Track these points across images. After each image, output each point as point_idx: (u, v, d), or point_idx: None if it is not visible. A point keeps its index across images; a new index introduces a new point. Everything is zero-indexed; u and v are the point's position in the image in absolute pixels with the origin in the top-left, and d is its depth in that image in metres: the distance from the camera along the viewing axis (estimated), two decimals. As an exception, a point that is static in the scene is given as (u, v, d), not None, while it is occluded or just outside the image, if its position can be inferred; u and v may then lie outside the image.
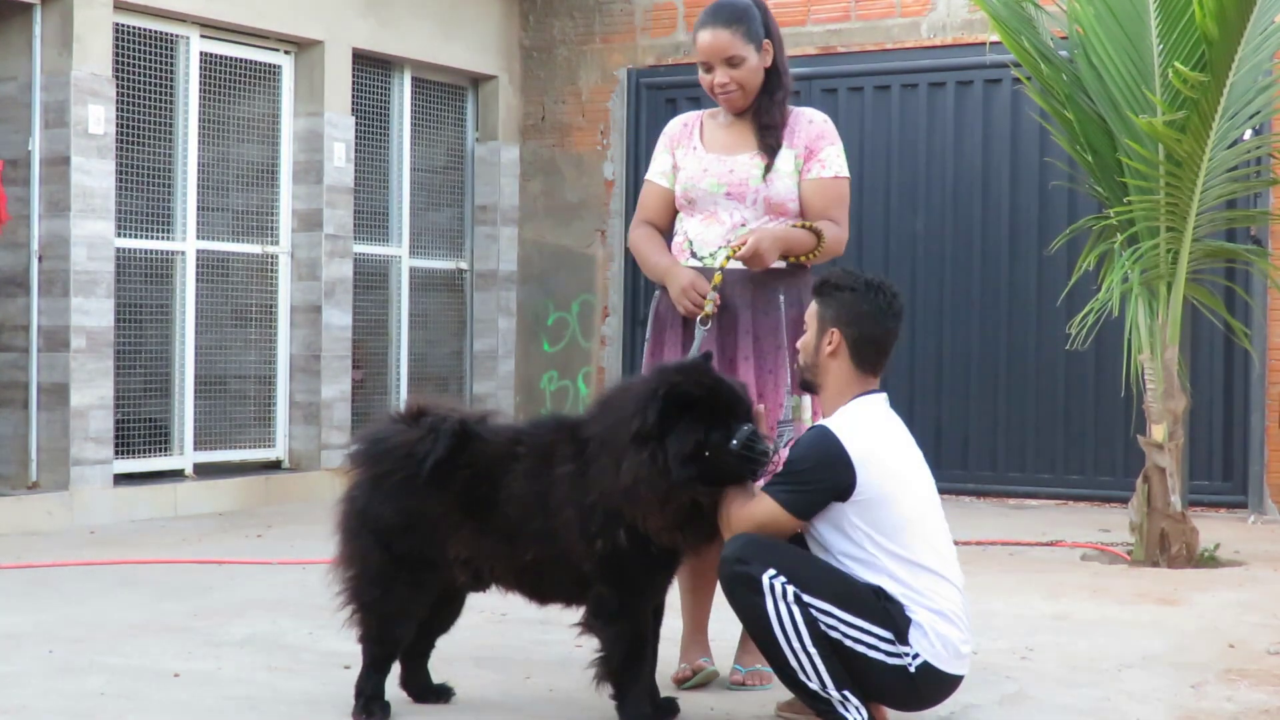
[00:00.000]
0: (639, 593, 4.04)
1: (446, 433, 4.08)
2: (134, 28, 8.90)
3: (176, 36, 9.17)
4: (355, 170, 10.05)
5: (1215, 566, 7.23)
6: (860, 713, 3.90)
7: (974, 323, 10.08)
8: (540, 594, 4.20)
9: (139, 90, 8.95)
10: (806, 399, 4.64)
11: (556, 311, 11.27)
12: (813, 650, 3.85)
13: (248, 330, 9.71)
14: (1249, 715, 4.39)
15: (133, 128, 8.91)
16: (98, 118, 8.46)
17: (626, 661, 4.03)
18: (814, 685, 3.88)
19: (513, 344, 11.33)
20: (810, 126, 4.77)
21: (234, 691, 4.51)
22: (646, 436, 3.85)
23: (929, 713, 4.31)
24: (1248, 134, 7.92)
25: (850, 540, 3.95)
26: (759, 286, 4.67)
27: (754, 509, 3.95)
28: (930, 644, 3.90)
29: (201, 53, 9.30)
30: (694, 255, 4.76)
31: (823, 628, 3.87)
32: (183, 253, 9.22)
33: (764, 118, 4.75)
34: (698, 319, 4.57)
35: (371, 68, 10.41)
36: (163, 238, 9.15)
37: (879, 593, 3.91)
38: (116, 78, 8.68)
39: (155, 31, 9.04)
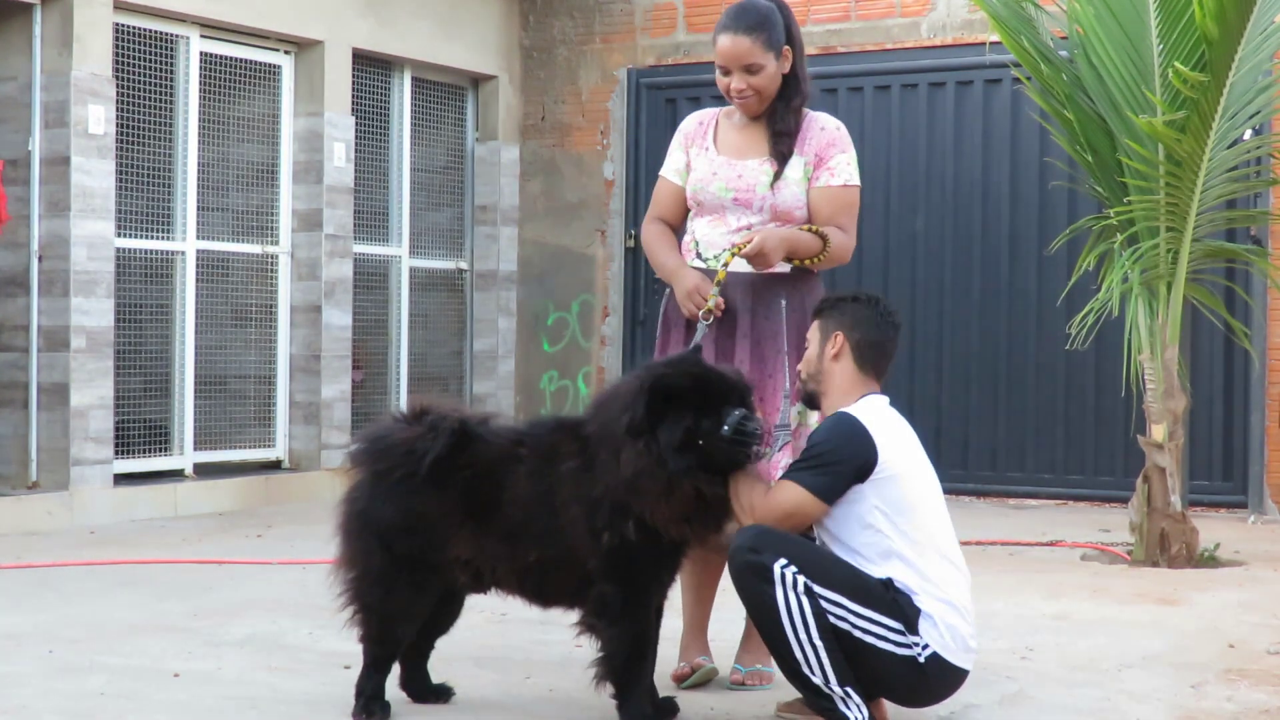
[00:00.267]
0: (643, 589, 4.03)
1: (446, 431, 4.08)
2: (134, 28, 8.90)
3: (176, 36, 9.16)
4: (355, 170, 10.05)
5: (1215, 566, 7.23)
6: (861, 711, 3.91)
7: (974, 323, 10.08)
8: (542, 596, 4.19)
9: (139, 90, 8.95)
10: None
11: (556, 311, 11.27)
12: (819, 643, 3.87)
13: (248, 330, 9.71)
14: (1249, 715, 4.39)
15: (133, 128, 8.91)
16: (98, 118, 8.46)
17: (629, 662, 4.03)
18: (817, 679, 3.89)
19: (513, 344, 11.33)
20: (822, 134, 4.76)
21: (234, 691, 4.51)
22: (639, 430, 3.89)
23: (928, 712, 4.32)
24: (1248, 134, 7.92)
25: (866, 525, 3.97)
26: (760, 290, 4.67)
27: (780, 498, 3.98)
28: (939, 635, 3.92)
29: (201, 53, 9.30)
30: (699, 257, 4.76)
31: (832, 619, 3.89)
32: (183, 253, 9.22)
33: (778, 124, 4.74)
34: (700, 312, 4.58)
35: (371, 68, 10.41)
36: (163, 238, 9.14)
37: (888, 585, 3.93)
38: (116, 78, 8.68)
39: (155, 31, 9.04)
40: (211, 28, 9.32)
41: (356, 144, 10.11)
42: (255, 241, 9.70)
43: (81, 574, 6.70)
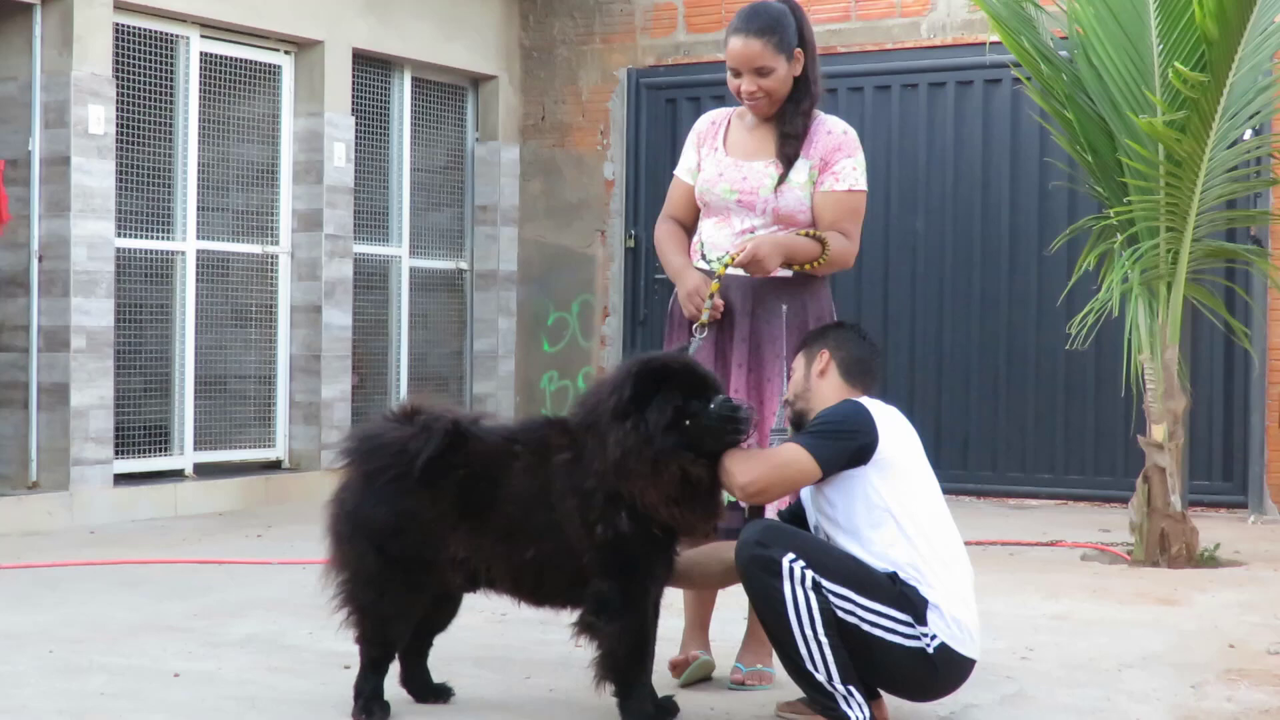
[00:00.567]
0: (640, 583, 4.02)
1: (440, 431, 4.08)
2: (134, 28, 8.90)
3: (176, 36, 9.17)
4: (355, 170, 10.05)
5: (1215, 566, 7.23)
6: (863, 710, 3.92)
7: (974, 323, 10.07)
8: (537, 595, 4.17)
9: (139, 90, 8.95)
10: None
11: (556, 311, 11.27)
12: (824, 639, 3.88)
13: (248, 330, 9.71)
14: (1249, 715, 4.39)
15: (133, 128, 8.91)
16: (98, 118, 8.46)
17: (630, 659, 4.02)
18: (820, 676, 3.90)
19: (513, 344, 11.33)
20: (829, 138, 4.75)
21: (234, 691, 4.51)
22: (626, 411, 3.91)
23: (928, 713, 4.32)
24: (1248, 134, 7.92)
25: (870, 509, 3.99)
26: (761, 294, 4.67)
27: (777, 450, 4.02)
28: (947, 625, 3.94)
29: (201, 53, 9.30)
30: (704, 258, 4.77)
31: (840, 614, 3.90)
32: (183, 253, 9.22)
33: (786, 126, 4.74)
34: (694, 326, 4.59)
35: (371, 68, 10.41)
36: (163, 238, 9.15)
37: (894, 578, 3.95)
38: (116, 78, 8.68)
39: (155, 31, 9.04)
40: (211, 28, 9.32)
41: (356, 144, 10.11)
42: (255, 241, 9.70)
43: (81, 574, 6.70)
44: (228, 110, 9.55)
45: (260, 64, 9.71)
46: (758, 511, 4.41)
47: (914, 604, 3.92)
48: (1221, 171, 7.35)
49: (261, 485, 9.45)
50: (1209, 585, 6.69)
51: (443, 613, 4.37)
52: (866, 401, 4.14)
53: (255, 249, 9.69)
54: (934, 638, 3.93)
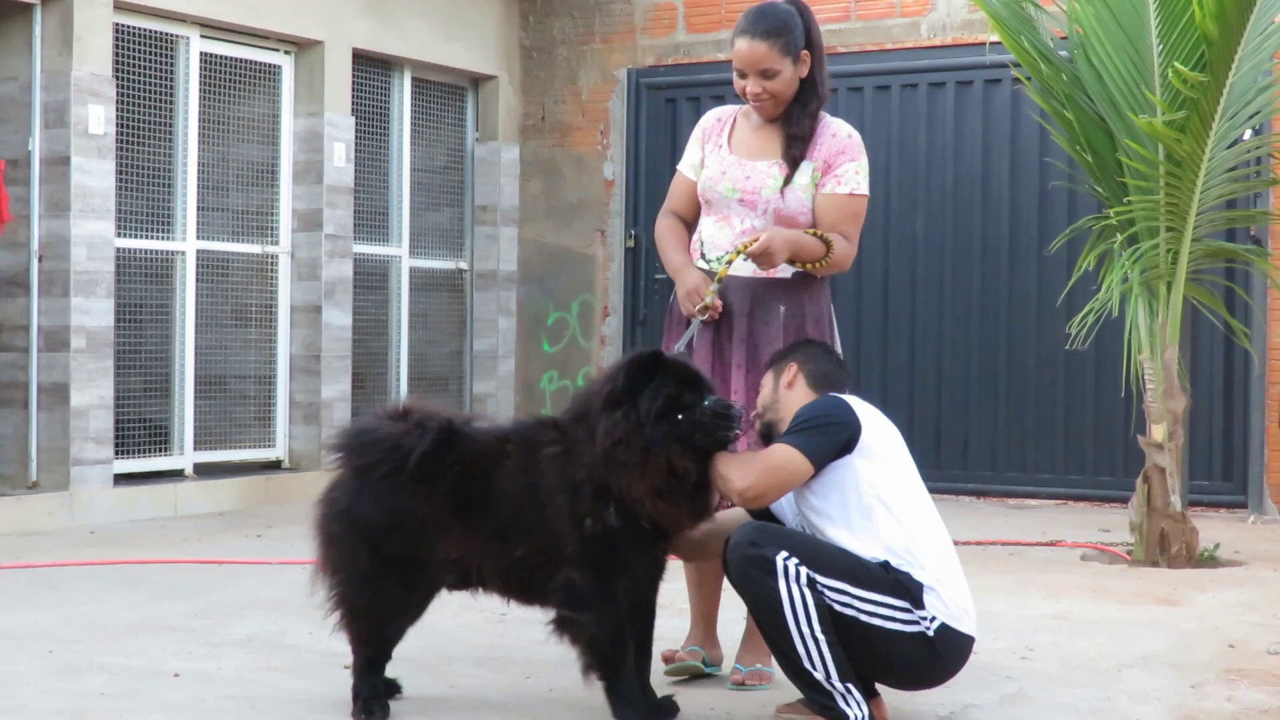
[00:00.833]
0: (618, 576, 4.01)
1: (434, 428, 4.08)
2: (134, 28, 8.90)
3: (176, 36, 9.17)
4: (355, 170, 10.05)
5: (1215, 566, 7.23)
6: (861, 708, 3.92)
7: (974, 323, 10.07)
8: (527, 592, 4.16)
9: (139, 90, 8.95)
10: None
11: (556, 311, 11.27)
12: (821, 636, 3.88)
13: (248, 330, 9.71)
14: (1249, 715, 4.40)
15: (133, 128, 8.91)
16: (98, 118, 8.46)
17: (613, 645, 4.01)
18: (818, 675, 3.90)
19: (513, 344, 11.33)
20: (833, 141, 4.75)
21: (234, 691, 4.51)
22: (618, 400, 3.93)
23: (928, 713, 4.32)
24: (1248, 134, 7.92)
25: (860, 495, 4.00)
26: (760, 295, 4.68)
27: (766, 454, 4.03)
28: (945, 605, 3.95)
29: (201, 53, 9.30)
30: (704, 258, 4.78)
31: (838, 607, 3.91)
32: (183, 253, 9.22)
33: (793, 127, 4.73)
34: (696, 307, 4.60)
35: (371, 68, 10.41)
36: (163, 238, 9.15)
37: (886, 566, 3.96)
38: (116, 78, 8.68)
39: (155, 31, 9.04)
40: (211, 28, 9.32)
41: (356, 144, 10.11)
42: (255, 241, 9.70)
43: (81, 574, 6.70)
44: (228, 110, 9.55)
45: (260, 64, 9.71)
46: None
47: (909, 589, 3.93)
48: (1221, 171, 7.35)
49: (261, 485, 9.45)
50: (1209, 585, 6.69)
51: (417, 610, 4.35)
52: (840, 395, 4.18)
53: (255, 249, 9.69)
54: (933, 619, 3.93)
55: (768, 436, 4.25)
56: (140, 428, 9.02)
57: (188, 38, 9.20)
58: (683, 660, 4.73)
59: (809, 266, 4.67)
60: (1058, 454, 9.84)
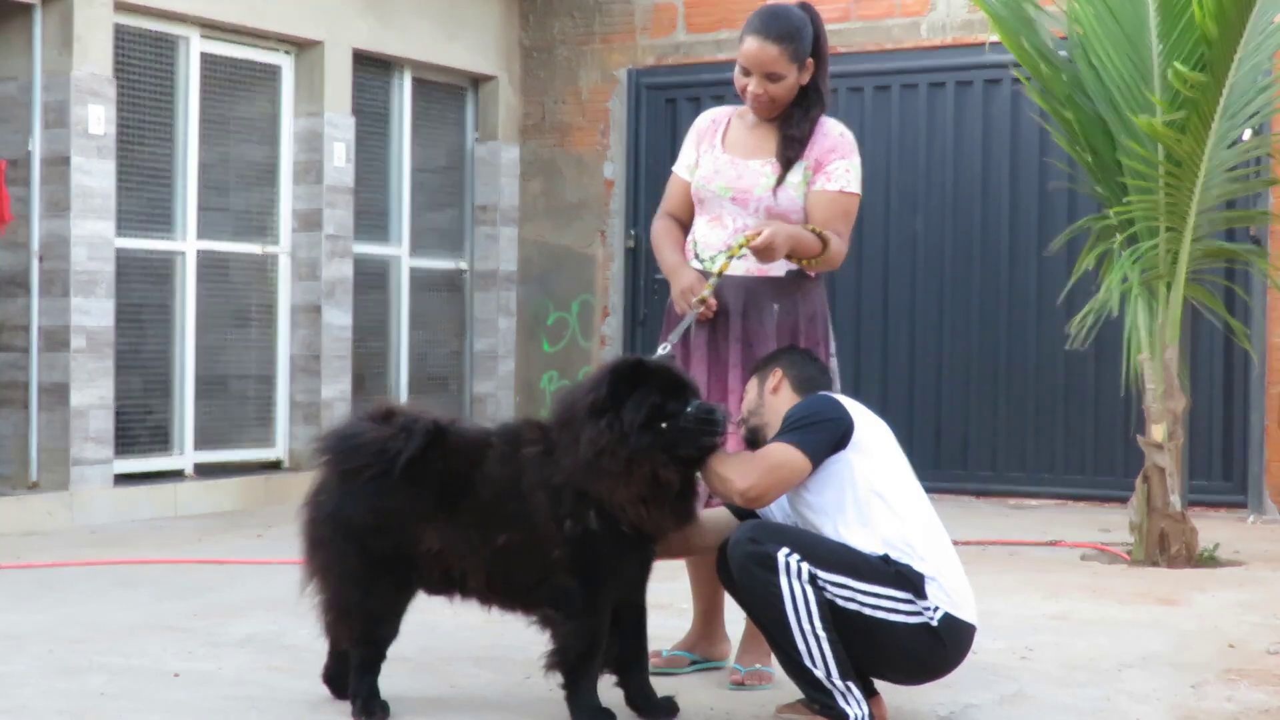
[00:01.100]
0: (604, 583, 4.01)
1: (420, 431, 4.09)
2: (134, 28, 8.90)
3: (176, 37, 9.17)
4: (355, 170, 10.05)
5: (1215, 566, 7.23)
6: (861, 707, 3.92)
7: (974, 323, 10.07)
8: (507, 594, 4.16)
9: (139, 90, 8.95)
10: None
11: (556, 311, 11.27)
12: (821, 634, 3.88)
13: (248, 330, 9.71)
14: (1249, 715, 4.40)
15: (133, 128, 8.91)
16: (98, 118, 8.46)
17: (582, 658, 4.03)
18: (819, 672, 3.90)
19: (513, 344, 11.33)
20: (824, 139, 4.76)
21: (234, 691, 4.51)
22: (603, 408, 3.92)
23: (928, 712, 4.32)
24: (1247, 134, 7.91)
25: (856, 490, 4.01)
26: (754, 293, 4.69)
27: (765, 453, 4.03)
28: (946, 594, 3.96)
29: (202, 53, 9.30)
30: (697, 258, 4.78)
31: (840, 602, 3.91)
32: (183, 253, 9.22)
33: (791, 128, 4.74)
34: (695, 300, 4.62)
35: (371, 68, 10.41)
36: (163, 238, 9.15)
37: (886, 559, 3.96)
38: (116, 78, 8.68)
39: (155, 31, 9.05)
40: (212, 28, 9.32)
41: (356, 144, 10.11)
42: (255, 241, 9.70)
43: (81, 574, 6.70)
44: (228, 110, 9.55)
45: (260, 64, 9.71)
46: None
47: (911, 581, 3.94)
48: (1221, 171, 7.35)
49: (261, 485, 9.45)
50: (1209, 585, 6.69)
51: None
52: (828, 394, 4.20)
53: (255, 249, 9.69)
54: (936, 609, 3.94)
55: (752, 442, 4.26)
56: (140, 428, 9.02)
57: (188, 38, 9.20)
58: (660, 660, 4.72)
59: (803, 263, 4.67)
60: (1058, 454, 9.84)
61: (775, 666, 4.47)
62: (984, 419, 10.00)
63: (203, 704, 4.36)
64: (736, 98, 4.84)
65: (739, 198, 4.73)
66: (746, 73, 4.71)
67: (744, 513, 4.23)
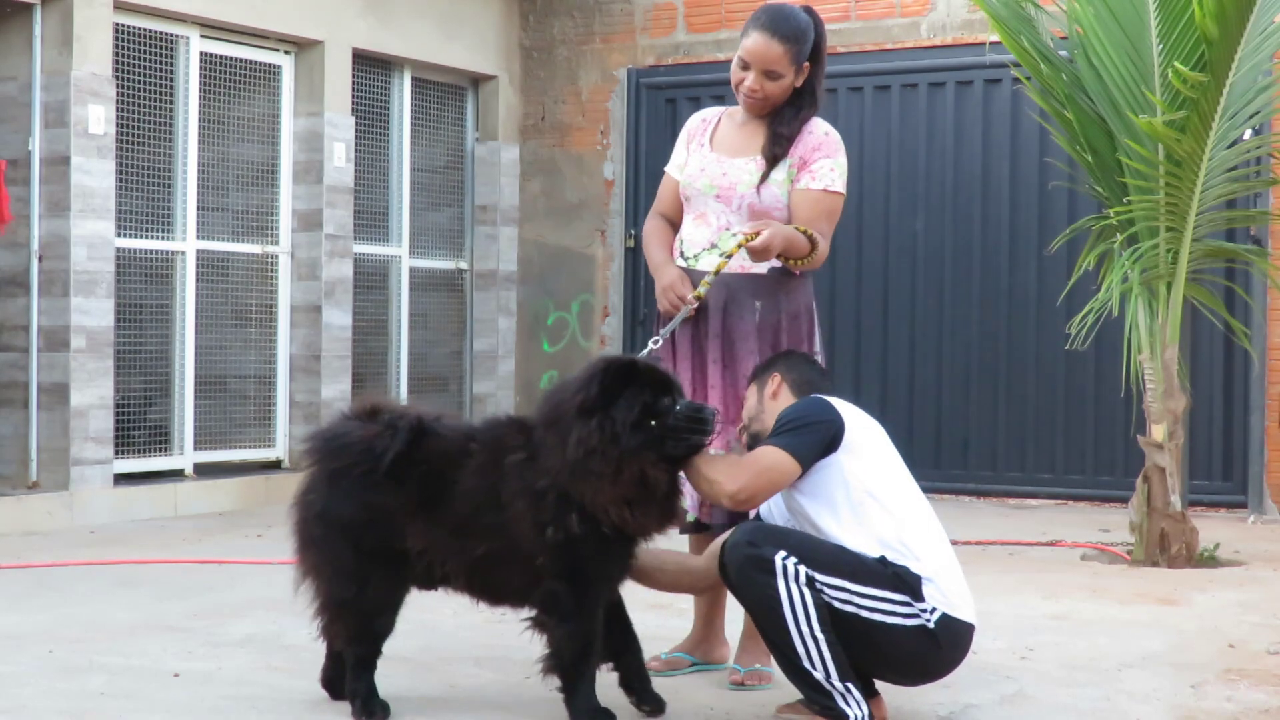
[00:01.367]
0: (592, 585, 4.01)
1: (405, 428, 4.10)
2: (134, 28, 8.90)
3: (176, 36, 9.17)
4: (355, 170, 10.05)
5: (1215, 566, 7.23)
6: (861, 707, 3.92)
7: (974, 323, 10.07)
8: (490, 592, 4.17)
9: (139, 90, 8.95)
10: None
11: (556, 311, 11.27)
12: (820, 636, 3.88)
13: (248, 330, 9.71)
14: (1249, 715, 4.39)
15: (133, 128, 8.91)
16: (98, 118, 8.46)
17: (577, 659, 4.03)
18: (818, 674, 3.90)
19: (513, 344, 11.33)
20: (809, 138, 4.77)
21: (234, 691, 4.51)
22: (592, 408, 3.90)
23: (928, 712, 4.32)
24: (1248, 134, 7.92)
25: (849, 491, 4.01)
26: (735, 291, 4.70)
27: (754, 456, 4.03)
28: (944, 595, 3.96)
29: (201, 53, 9.30)
30: (682, 256, 4.80)
31: (838, 605, 3.91)
32: (183, 253, 9.22)
33: (780, 126, 4.75)
34: (690, 295, 4.64)
35: (371, 68, 10.41)
36: (163, 238, 9.15)
37: (883, 561, 3.96)
38: (116, 78, 8.68)
39: (155, 31, 9.04)
40: (211, 28, 9.32)
41: (356, 144, 10.11)
42: (255, 241, 9.70)
43: (81, 574, 6.70)
44: (228, 110, 9.55)
45: (260, 64, 9.71)
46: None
47: (908, 583, 3.94)
48: (1221, 171, 7.35)
49: (261, 485, 9.45)
50: (1209, 585, 6.69)
51: None
52: (820, 395, 4.20)
53: (255, 249, 9.69)
54: (933, 610, 3.94)
55: (754, 444, 4.25)
56: (140, 428, 9.02)
57: (188, 37, 9.20)
58: (658, 662, 4.72)
59: (789, 263, 4.67)
60: (1058, 454, 9.84)
61: (774, 666, 4.46)
62: (984, 419, 10.00)
63: (203, 704, 4.36)
64: (734, 89, 4.84)
65: (723, 194, 4.74)
66: (745, 66, 4.72)
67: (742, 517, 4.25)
